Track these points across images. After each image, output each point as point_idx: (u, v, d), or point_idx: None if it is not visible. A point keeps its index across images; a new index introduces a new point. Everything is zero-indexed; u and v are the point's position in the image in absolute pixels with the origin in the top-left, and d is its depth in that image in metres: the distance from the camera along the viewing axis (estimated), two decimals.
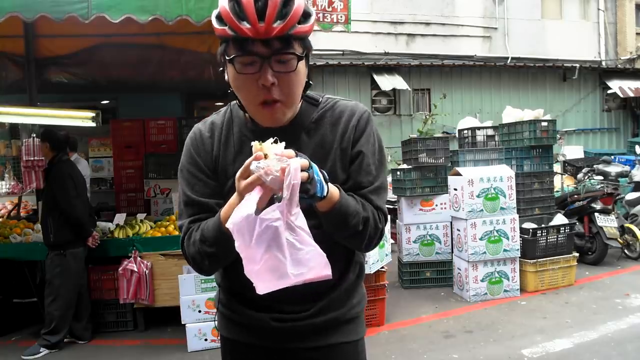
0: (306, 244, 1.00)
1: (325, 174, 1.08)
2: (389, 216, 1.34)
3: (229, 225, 0.98)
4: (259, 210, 0.98)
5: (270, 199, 1.02)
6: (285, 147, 1.18)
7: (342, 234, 1.19)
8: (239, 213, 0.98)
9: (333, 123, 1.27)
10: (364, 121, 1.28)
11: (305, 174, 1.00)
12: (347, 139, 1.26)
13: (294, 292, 1.15)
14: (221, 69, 1.21)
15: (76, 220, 3.97)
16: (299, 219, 1.00)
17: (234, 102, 1.28)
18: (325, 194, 1.07)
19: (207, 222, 1.20)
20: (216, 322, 1.43)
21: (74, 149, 5.60)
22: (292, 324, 1.27)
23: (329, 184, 1.10)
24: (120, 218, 4.83)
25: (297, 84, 1.16)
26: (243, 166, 1.02)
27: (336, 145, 1.25)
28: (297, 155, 1.02)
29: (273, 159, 0.99)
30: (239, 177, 1.04)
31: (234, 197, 1.08)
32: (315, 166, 1.04)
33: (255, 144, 1.03)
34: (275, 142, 1.04)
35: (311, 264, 1.00)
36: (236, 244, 0.98)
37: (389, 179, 7.95)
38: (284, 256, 0.99)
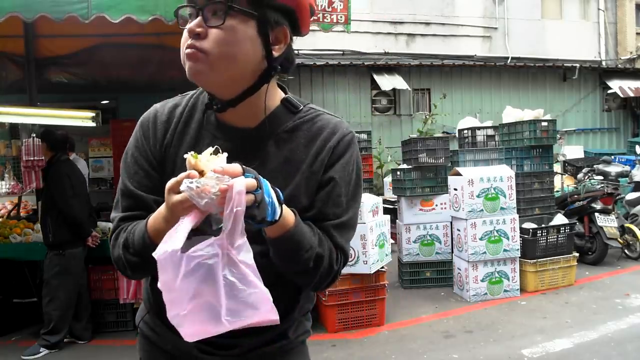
0: (249, 284, 0.83)
1: (280, 193, 0.91)
2: (350, 256, 1.16)
3: (154, 255, 0.82)
4: (189, 243, 0.81)
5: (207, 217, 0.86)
6: (248, 156, 1.02)
7: (290, 267, 1.02)
8: (164, 246, 0.81)
9: (309, 139, 1.08)
10: (344, 144, 1.09)
11: (250, 197, 0.82)
12: (320, 162, 1.07)
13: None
14: None
15: (73, 219, 3.96)
16: (243, 252, 0.83)
17: None
18: (277, 217, 0.89)
19: (135, 225, 1.02)
20: (137, 344, 1.23)
21: (71, 149, 5.60)
22: (221, 358, 1.11)
23: (284, 206, 0.93)
24: None
25: (226, 43, 0.96)
26: (175, 179, 0.85)
27: (305, 166, 1.06)
28: (244, 172, 0.84)
29: (211, 177, 0.81)
30: (169, 190, 0.86)
31: (163, 208, 0.91)
32: (266, 184, 0.87)
33: (189, 157, 0.85)
34: (216, 152, 0.87)
35: (254, 308, 0.84)
36: (159, 283, 0.82)
37: (389, 179, 7.96)
38: (218, 299, 0.82)
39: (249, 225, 0.84)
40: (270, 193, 0.87)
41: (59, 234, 3.97)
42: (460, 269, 5.12)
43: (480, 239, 4.88)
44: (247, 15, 0.97)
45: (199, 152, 1.01)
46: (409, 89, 11.08)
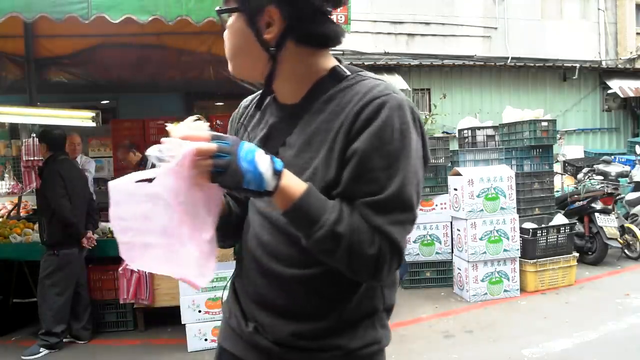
0: (182, 242, 0.90)
1: (277, 163, 0.89)
2: (404, 248, 0.99)
3: (108, 185, 0.92)
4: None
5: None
6: (285, 130, 1.07)
7: (310, 247, 0.96)
8: (122, 179, 0.91)
9: (342, 107, 0.99)
10: (373, 108, 0.95)
11: (207, 162, 0.85)
12: (345, 130, 0.96)
13: (275, 303, 1.05)
14: None
15: (63, 219, 3.92)
16: (185, 213, 0.89)
17: None
18: (268, 188, 0.88)
19: None
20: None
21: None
22: (276, 345, 1.06)
23: (291, 178, 0.92)
24: None
25: (228, 42, 1.08)
26: None
27: (331, 137, 0.98)
28: (213, 138, 0.87)
29: (173, 142, 0.86)
30: None
31: None
32: (248, 152, 0.87)
33: (168, 125, 0.92)
34: (197, 120, 0.93)
35: (182, 263, 0.90)
36: (109, 211, 0.92)
37: None
38: (155, 242, 0.91)
39: (242, 192, 0.91)
40: (252, 160, 0.86)
41: (52, 234, 3.96)
42: (460, 269, 5.12)
43: (480, 239, 4.88)
44: (236, 12, 1.05)
45: (255, 133, 1.14)
46: (409, 89, 11.06)
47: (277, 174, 0.89)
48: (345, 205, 0.95)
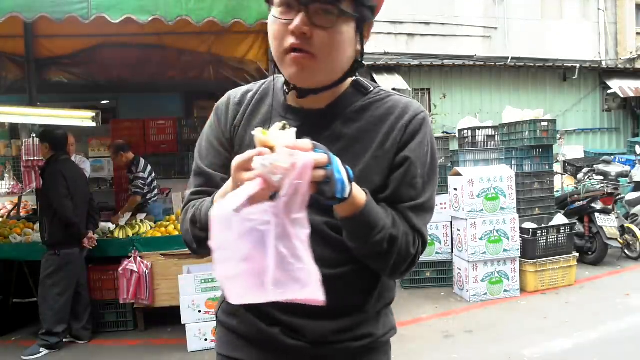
0: (299, 259, 0.81)
1: (350, 171, 0.90)
2: (427, 244, 1.11)
3: (210, 215, 0.82)
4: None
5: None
6: (315, 136, 1.01)
7: (362, 249, 1.00)
8: (223, 206, 0.81)
9: (379, 118, 1.07)
10: (418, 122, 1.07)
11: (320, 172, 0.81)
12: (393, 140, 1.05)
13: (309, 304, 1.03)
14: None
15: (66, 220, 3.93)
16: (299, 227, 0.81)
17: (279, 75, 1.13)
18: (346, 195, 0.88)
19: (203, 202, 1.06)
20: (216, 337, 1.22)
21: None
22: (306, 345, 1.07)
23: (354, 185, 0.92)
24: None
25: (335, 46, 0.98)
26: (243, 156, 0.84)
27: (376, 145, 1.05)
28: (314, 148, 0.83)
29: (282, 152, 0.79)
30: (237, 167, 0.85)
31: (229, 185, 0.92)
32: (336, 161, 0.86)
33: (257, 133, 0.84)
34: (283, 128, 0.86)
35: (300, 284, 0.82)
36: (210, 242, 0.82)
37: None
38: (266, 268, 0.81)
39: (320, 201, 0.86)
40: (340, 170, 0.86)
41: (54, 234, 3.96)
42: (460, 269, 5.12)
43: (480, 239, 4.88)
44: (349, 16, 0.98)
45: None
46: (409, 89, 11.05)
47: (351, 181, 0.90)
48: (392, 209, 1.03)
